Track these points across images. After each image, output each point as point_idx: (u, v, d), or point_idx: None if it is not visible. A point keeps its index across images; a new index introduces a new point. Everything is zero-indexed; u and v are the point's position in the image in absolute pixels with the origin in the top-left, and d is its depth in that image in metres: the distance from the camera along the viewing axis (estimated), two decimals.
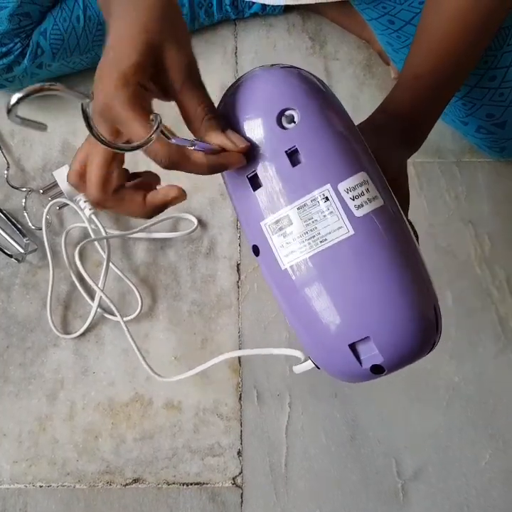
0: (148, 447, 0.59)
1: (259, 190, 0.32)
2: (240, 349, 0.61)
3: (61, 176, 0.62)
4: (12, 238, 0.63)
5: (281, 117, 0.32)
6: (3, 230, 0.63)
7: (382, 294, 0.30)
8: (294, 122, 0.31)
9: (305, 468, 0.58)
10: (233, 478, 0.58)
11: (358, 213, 0.30)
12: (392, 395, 0.59)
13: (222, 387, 0.60)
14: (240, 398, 0.60)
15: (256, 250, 0.34)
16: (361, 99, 0.68)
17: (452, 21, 0.43)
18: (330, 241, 0.31)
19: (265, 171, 0.32)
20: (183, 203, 0.66)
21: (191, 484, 0.58)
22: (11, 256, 0.62)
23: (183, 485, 0.58)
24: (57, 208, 0.64)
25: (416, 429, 0.59)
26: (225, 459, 0.58)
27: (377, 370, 0.31)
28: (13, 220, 0.64)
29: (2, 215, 0.64)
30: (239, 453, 0.59)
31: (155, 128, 0.28)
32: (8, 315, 0.62)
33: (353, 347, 0.31)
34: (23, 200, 0.64)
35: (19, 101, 0.22)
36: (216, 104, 0.34)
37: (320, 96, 0.33)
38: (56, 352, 0.61)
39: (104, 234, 0.61)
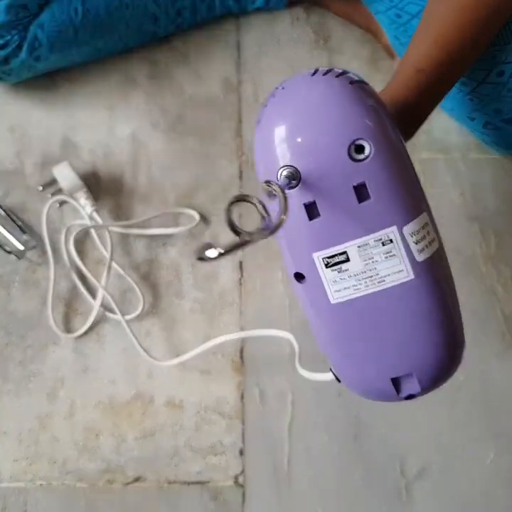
0: (149, 446, 0.58)
1: (315, 220, 0.30)
2: (241, 346, 0.60)
3: (61, 172, 0.61)
4: (11, 235, 0.62)
5: (351, 147, 0.29)
6: (2, 226, 0.63)
7: (430, 336, 0.31)
8: (365, 154, 0.29)
9: (308, 467, 0.58)
10: (235, 477, 0.58)
11: (420, 258, 0.30)
12: None
13: (224, 386, 0.59)
14: (242, 397, 0.59)
15: (299, 277, 0.33)
16: None
17: (460, 15, 0.43)
18: (388, 283, 0.30)
19: (327, 202, 0.30)
20: (185, 198, 0.66)
21: (193, 483, 0.58)
22: (10, 253, 0.61)
23: (185, 484, 0.58)
24: (58, 204, 0.63)
25: (420, 428, 0.59)
26: (227, 457, 0.58)
27: (411, 397, 0.33)
28: (12, 217, 0.63)
29: (1, 211, 0.63)
30: (241, 452, 0.58)
31: (283, 203, 0.24)
32: (7, 312, 0.62)
33: (395, 380, 0.32)
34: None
35: (219, 257, 0.22)
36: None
37: (391, 123, 0.30)
38: (56, 350, 0.61)
39: (105, 231, 0.60)
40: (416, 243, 0.30)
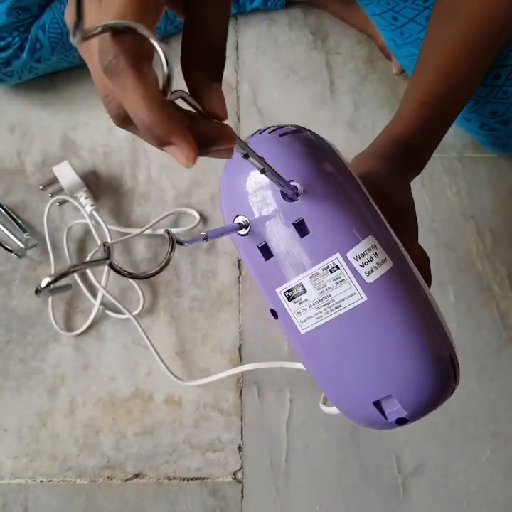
0: (148, 442, 0.59)
1: (271, 260, 0.33)
2: (240, 344, 0.61)
3: (61, 171, 0.62)
4: (12, 233, 0.63)
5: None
6: (3, 224, 0.63)
7: (399, 354, 0.32)
8: (299, 193, 0.31)
9: (305, 463, 0.58)
10: (234, 474, 0.58)
11: (369, 279, 0.31)
12: None
13: (222, 383, 0.60)
14: (241, 393, 0.60)
15: (274, 314, 0.35)
16: (363, 94, 0.68)
17: (460, 45, 0.43)
18: (344, 307, 0.31)
19: (275, 241, 0.32)
20: (184, 197, 0.66)
21: (192, 479, 0.58)
22: (11, 251, 0.62)
23: (184, 480, 0.58)
24: (58, 203, 0.64)
25: (416, 424, 0.58)
26: (226, 454, 0.59)
27: (401, 421, 0.33)
28: (13, 215, 0.64)
29: (2, 210, 0.64)
30: (239, 448, 0.59)
31: (170, 247, 0.26)
32: (8, 310, 0.62)
33: (377, 404, 0.33)
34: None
35: (49, 284, 0.22)
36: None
37: (323, 163, 0.32)
38: (56, 347, 0.61)
39: (105, 229, 0.61)
40: (363, 266, 0.31)
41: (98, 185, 0.65)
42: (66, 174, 0.62)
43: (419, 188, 0.65)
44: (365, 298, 0.31)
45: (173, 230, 0.63)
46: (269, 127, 0.34)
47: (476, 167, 0.66)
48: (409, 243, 0.35)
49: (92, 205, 0.62)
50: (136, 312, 0.61)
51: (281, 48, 0.70)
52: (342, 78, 0.69)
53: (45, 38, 0.61)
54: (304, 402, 0.59)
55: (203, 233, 0.30)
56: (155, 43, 0.19)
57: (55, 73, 0.68)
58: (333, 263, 0.31)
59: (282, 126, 0.34)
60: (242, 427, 0.59)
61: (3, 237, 0.63)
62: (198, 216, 0.63)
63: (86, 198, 0.62)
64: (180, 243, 0.28)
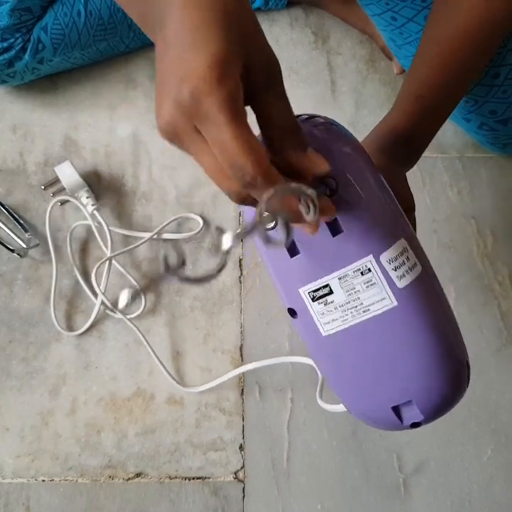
0: (150, 442, 0.59)
1: (296, 257, 0.32)
2: (241, 344, 0.61)
3: (62, 171, 0.62)
4: (14, 233, 0.63)
5: (320, 185, 0.30)
6: (5, 224, 0.63)
7: (424, 362, 0.31)
8: (333, 191, 0.30)
9: (307, 462, 0.58)
10: (235, 473, 0.58)
11: (401, 284, 0.30)
12: None
13: (224, 383, 0.60)
14: (242, 393, 0.60)
15: (292, 313, 0.34)
16: (364, 94, 0.68)
17: (458, 40, 0.43)
18: (373, 312, 0.30)
19: (304, 240, 0.31)
20: (186, 197, 0.66)
21: (193, 478, 0.58)
22: (13, 251, 0.62)
23: (186, 479, 0.58)
24: (59, 203, 0.64)
25: None
26: (227, 453, 0.59)
27: (416, 425, 0.33)
28: (15, 215, 0.64)
29: (4, 210, 0.64)
30: (241, 447, 0.59)
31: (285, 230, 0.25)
32: (10, 310, 0.62)
33: (395, 409, 0.32)
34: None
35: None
36: None
37: (359, 161, 0.31)
38: (58, 347, 0.61)
39: (106, 229, 0.61)
40: (395, 270, 0.30)
41: (100, 185, 0.65)
42: (68, 174, 0.62)
43: (420, 187, 0.65)
44: (395, 303, 0.30)
45: (176, 236, 0.63)
46: (301, 115, 0.31)
47: (477, 167, 0.66)
48: None
49: (93, 205, 0.62)
50: (137, 312, 0.61)
51: (282, 48, 0.70)
52: (343, 78, 0.69)
53: (48, 39, 0.61)
54: (305, 401, 0.59)
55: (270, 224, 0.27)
56: (313, 201, 0.23)
57: (56, 74, 0.68)
58: (365, 265, 0.30)
59: (313, 116, 0.32)
60: (243, 426, 0.59)
61: (5, 236, 0.63)
62: (201, 221, 0.63)
63: (87, 197, 0.62)
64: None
